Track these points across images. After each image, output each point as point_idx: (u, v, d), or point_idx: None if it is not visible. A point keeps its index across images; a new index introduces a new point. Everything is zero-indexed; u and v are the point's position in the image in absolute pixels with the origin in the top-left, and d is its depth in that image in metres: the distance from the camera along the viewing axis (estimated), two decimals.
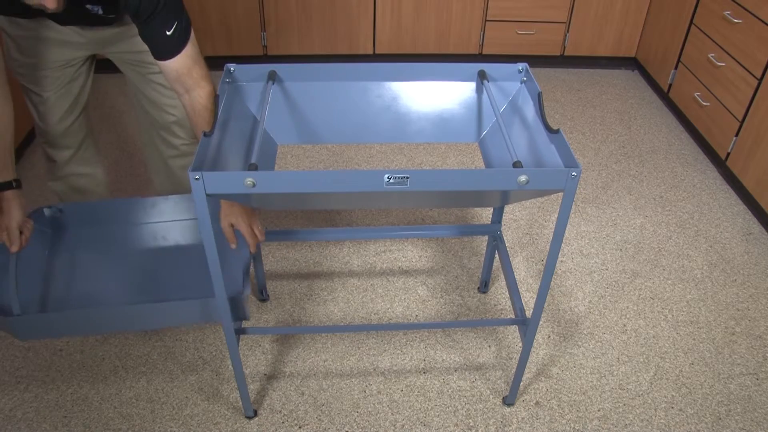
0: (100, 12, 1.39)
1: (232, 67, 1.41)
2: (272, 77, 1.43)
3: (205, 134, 1.19)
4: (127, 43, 1.58)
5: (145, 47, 1.37)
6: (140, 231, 1.67)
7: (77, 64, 1.60)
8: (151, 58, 1.40)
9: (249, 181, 1.08)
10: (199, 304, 1.40)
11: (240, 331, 1.45)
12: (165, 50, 1.34)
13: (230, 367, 1.73)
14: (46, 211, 1.63)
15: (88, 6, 1.36)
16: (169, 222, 1.69)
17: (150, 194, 2.36)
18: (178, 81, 1.38)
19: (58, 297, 1.53)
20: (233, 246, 1.47)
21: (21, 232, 1.49)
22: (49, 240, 1.64)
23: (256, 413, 1.61)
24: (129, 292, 1.54)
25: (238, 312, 1.43)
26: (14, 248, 1.47)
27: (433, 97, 1.51)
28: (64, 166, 1.76)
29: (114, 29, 1.54)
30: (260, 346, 1.80)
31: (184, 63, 1.35)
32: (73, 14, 1.39)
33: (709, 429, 1.61)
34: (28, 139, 2.59)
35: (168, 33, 1.31)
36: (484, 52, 3.30)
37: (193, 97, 1.39)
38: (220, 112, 1.30)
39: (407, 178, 1.10)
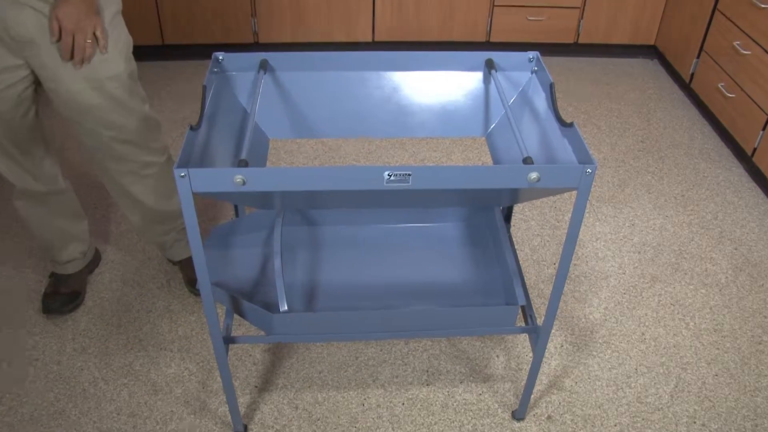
0: None
1: (220, 55, 1.41)
2: (263, 66, 1.43)
3: (191, 128, 1.19)
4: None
5: None
6: (394, 233, 1.71)
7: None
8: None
9: (239, 178, 1.08)
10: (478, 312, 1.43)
11: (229, 340, 1.45)
12: None
13: (219, 378, 1.73)
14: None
15: None
16: (431, 225, 1.74)
17: None
18: None
19: (316, 297, 1.55)
20: (66, 59, 1.36)
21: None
22: (301, 238, 1.69)
23: (246, 428, 1.61)
24: (390, 296, 1.56)
25: (508, 320, 1.45)
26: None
27: (437, 88, 1.51)
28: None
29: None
30: (251, 356, 1.80)
31: None
32: None
33: None
34: None
35: None
36: (492, 40, 3.30)
37: None
38: (207, 105, 1.30)
39: (409, 175, 1.11)
